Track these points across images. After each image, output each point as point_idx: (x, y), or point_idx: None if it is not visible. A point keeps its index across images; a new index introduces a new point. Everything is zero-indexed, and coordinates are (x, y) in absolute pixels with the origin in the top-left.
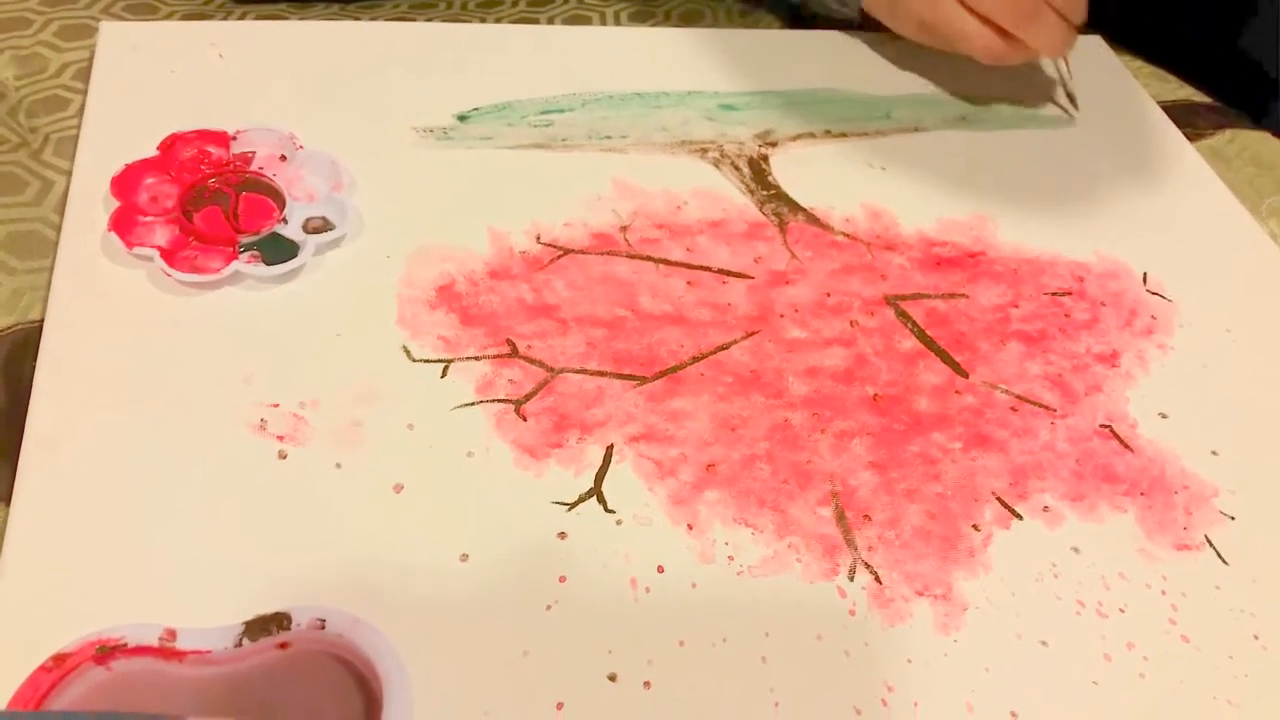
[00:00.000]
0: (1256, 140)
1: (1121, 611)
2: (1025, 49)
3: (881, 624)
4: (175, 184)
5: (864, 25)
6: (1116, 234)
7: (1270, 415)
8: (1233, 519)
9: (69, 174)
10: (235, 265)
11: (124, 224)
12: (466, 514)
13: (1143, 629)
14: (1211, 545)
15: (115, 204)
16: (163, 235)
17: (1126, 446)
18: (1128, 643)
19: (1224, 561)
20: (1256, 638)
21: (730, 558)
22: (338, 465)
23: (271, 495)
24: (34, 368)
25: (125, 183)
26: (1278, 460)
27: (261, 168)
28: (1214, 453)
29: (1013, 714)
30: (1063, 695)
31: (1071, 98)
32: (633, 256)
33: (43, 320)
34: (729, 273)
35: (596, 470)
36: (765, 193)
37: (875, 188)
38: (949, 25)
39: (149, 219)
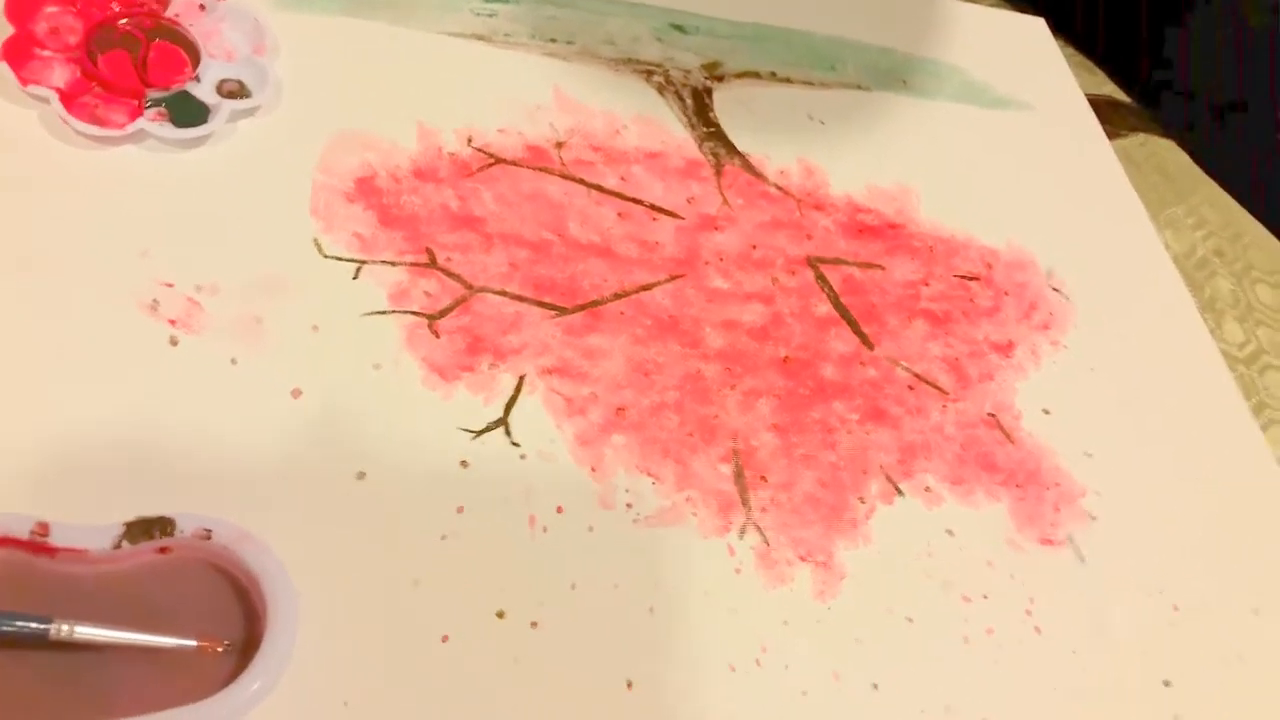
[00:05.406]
0: (1164, 148)
1: (985, 598)
2: None
3: (764, 585)
4: (80, 18)
5: None
6: (1029, 224)
7: (1144, 425)
8: (1094, 519)
9: None
10: (140, 122)
11: (17, 54)
12: (367, 430)
13: (1002, 617)
14: (1073, 543)
15: (8, 29)
16: (61, 75)
17: (1008, 438)
18: (987, 628)
19: (1082, 560)
20: (1101, 635)
21: (629, 505)
22: (233, 361)
23: (160, 384)
24: None
25: (21, 6)
26: (1144, 468)
27: (178, 15)
28: (1088, 454)
29: (874, 686)
30: (921, 673)
31: None
32: (566, 177)
33: None
34: (660, 210)
35: (506, 400)
36: (705, 129)
37: (812, 142)
38: None
39: (47, 54)
